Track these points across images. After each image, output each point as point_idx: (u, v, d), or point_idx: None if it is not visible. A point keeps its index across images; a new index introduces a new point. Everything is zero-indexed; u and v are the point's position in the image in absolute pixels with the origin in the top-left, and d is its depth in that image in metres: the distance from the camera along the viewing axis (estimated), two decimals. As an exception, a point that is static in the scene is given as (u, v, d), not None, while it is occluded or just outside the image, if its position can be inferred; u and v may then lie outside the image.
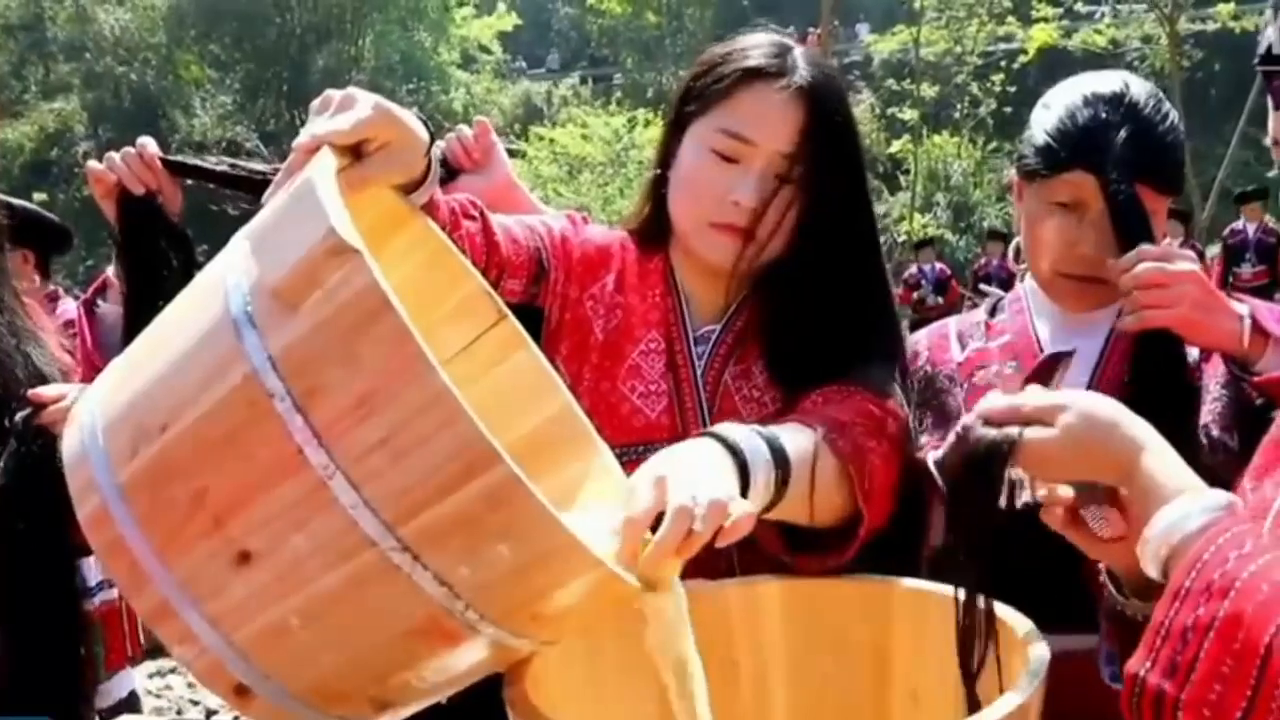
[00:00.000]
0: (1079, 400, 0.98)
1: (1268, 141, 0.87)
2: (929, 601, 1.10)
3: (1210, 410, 1.35)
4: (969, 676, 1.00)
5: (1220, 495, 0.88)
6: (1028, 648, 0.96)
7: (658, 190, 1.43)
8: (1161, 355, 1.34)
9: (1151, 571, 0.89)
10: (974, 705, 0.99)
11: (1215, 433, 1.33)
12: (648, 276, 1.45)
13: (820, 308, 1.37)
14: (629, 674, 1.10)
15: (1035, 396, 1.01)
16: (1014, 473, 1.00)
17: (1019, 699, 0.86)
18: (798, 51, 1.37)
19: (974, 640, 1.00)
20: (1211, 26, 19.82)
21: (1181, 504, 0.88)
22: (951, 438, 1.07)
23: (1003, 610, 1.03)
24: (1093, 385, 1.41)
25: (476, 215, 1.35)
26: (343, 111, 1.07)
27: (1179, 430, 1.25)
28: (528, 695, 0.95)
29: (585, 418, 1.20)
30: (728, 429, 1.12)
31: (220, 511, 0.85)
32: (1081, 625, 1.16)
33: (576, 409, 1.21)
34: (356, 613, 0.85)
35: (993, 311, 1.58)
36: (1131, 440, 0.95)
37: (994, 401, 1.02)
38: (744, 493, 1.06)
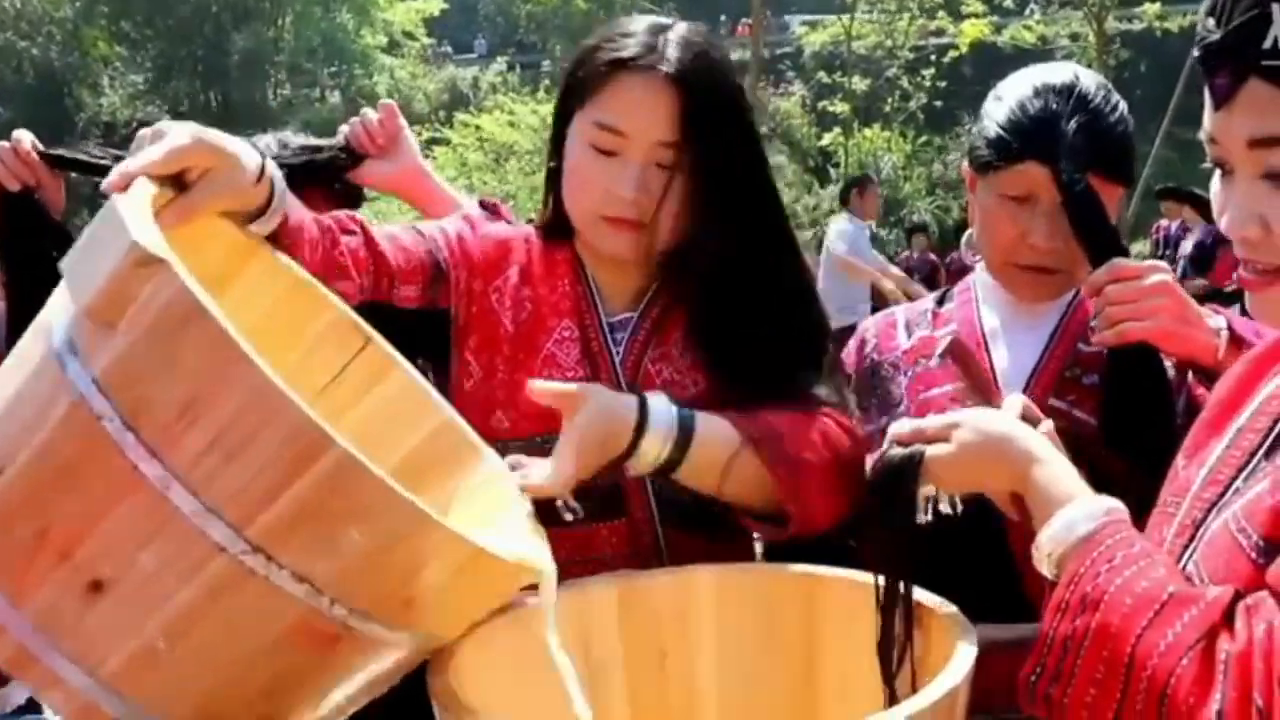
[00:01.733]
0: (972, 418, 1.10)
1: (1200, 136, 0.87)
2: (859, 592, 1.11)
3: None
4: (888, 674, 1.06)
5: (1101, 503, 0.96)
6: (956, 636, 0.97)
7: (555, 184, 1.43)
8: (1140, 369, 1.34)
9: (1046, 571, 0.96)
10: (892, 700, 1.04)
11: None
12: (555, 267, 1.44)
13: (737, 291, 1.37)
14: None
15: (935, 419, 1.12)
16: (928, 488, 1.11)
17: (949, 684, 0.87)
18: (672, 35, 1.34)
19: (893, 638, 1.07)
20: (1138, 26, 20.34)
21: (1066, 513, 0.96)
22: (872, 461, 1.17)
23: (930, 599, 1.05)
24: (1034, 376, 1.44)
25: (356, 229, 1.34)
26: (156, 143, 1.06)
27: (1161, 443, 1.28)
28: (451, 686, 0.94)
29: (469, 429, 1.22)
30: (653, 394, 1.24)
31: (65, 544, 0.85)
32: (1013, 617, 1.18)
33: (458, 421, 1.22)
34: (222, 625, 0.85)
35: (941, 300, 1.61)
36: (1023, 452, 1.04)
37: (901, 426, 1.13)
38: (636, 440, 1.19)
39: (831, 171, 22.64)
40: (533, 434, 1.32)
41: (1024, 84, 1.43)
